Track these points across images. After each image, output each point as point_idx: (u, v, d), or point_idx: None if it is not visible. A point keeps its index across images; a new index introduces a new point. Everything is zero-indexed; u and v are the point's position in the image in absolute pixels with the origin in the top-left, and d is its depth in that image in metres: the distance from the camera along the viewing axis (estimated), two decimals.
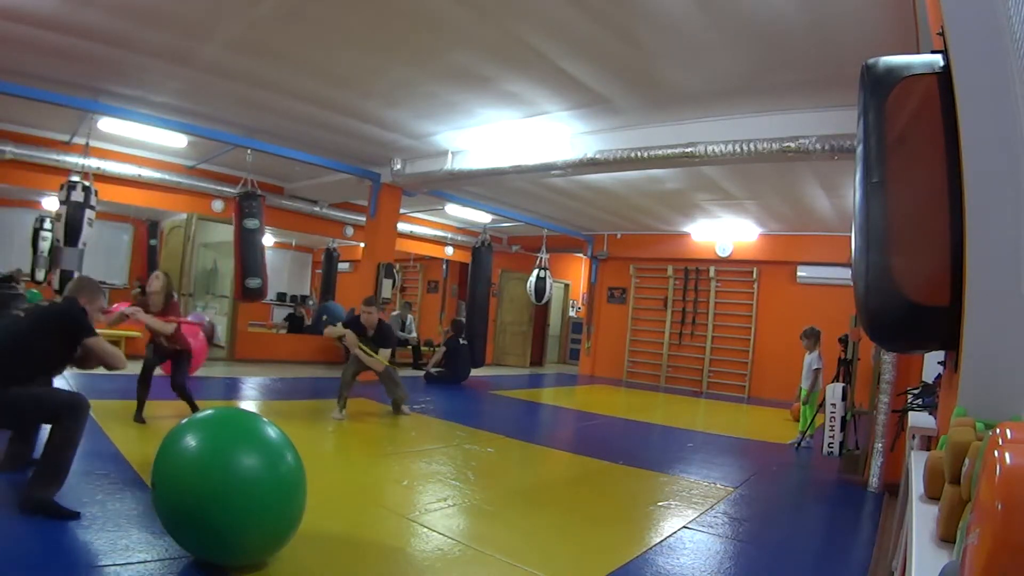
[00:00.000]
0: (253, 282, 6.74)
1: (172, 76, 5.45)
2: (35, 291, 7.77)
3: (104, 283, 10.99)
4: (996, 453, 0.68)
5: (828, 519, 3.97)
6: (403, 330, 10.27)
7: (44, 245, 8.85)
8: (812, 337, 6.06)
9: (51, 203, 8.16)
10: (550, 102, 5.44)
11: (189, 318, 5.68)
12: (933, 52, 1.74)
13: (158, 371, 4.48)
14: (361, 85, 5.43)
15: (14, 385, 2.50)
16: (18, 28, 4.53)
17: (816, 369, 5.95)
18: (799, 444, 5.90)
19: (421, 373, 9.30)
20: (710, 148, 5.32)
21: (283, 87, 5.56)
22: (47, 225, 8.73)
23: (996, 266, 1.46)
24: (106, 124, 6.46)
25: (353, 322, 5.52)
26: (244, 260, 6.83)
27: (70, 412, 2.55)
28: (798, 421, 6.25)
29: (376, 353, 5.36)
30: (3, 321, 2.82)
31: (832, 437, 4.79)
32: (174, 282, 4.98)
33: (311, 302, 13.12)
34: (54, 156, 7.11)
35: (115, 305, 4.35)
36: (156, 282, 4.39)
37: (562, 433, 6.47)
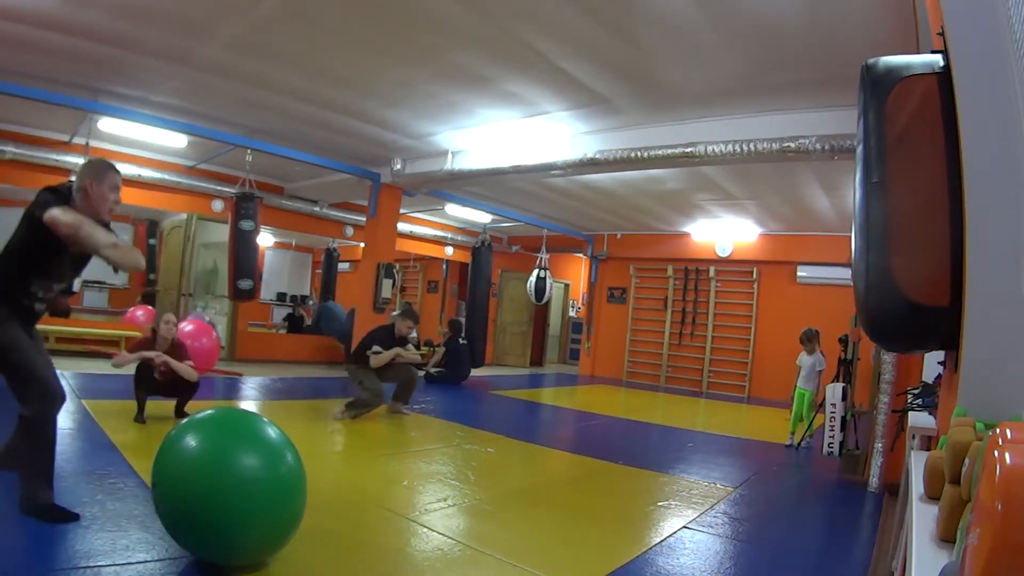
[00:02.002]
0: (245, 283, 6.79)
1: (172, 76, 5.45)
2: None
3: (104, 283, 11.01)
4: (996, 453, 0.68)
5: (828, 519, 3.97)
6: None
7: None
8: (815, 339, 6.06)
9: None
10: (550, 102, 5.44)
11: (187, 327, 5.79)
12: (933, 52, 1.74)
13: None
14: (361, 85, 5.42)
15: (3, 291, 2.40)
16: (18, 28, 4.53)
17: (820, 371, 5.95)
18: (799, 444, 5.90)
19: (421, 373, 9.29)
20: (710, 148, 5.32)
21: (283, 87, 5.55)
22: None
23: (996, 266, 1.46)
24: (106, 124, 6.45)
25: (387, 333, 5.65)
26: (238, 261, 6.88)
27: (42, 392, 2.41)
28: (799, 421, 6.21)
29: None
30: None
31: (832, 437, 4.79)
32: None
33: (311, 302, 13.12)
34: (54, 156, 7.11)
35: (147, 352, 4.35)
36: (169, 330, 4.46)
37: (562, 433, 6.47)
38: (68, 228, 2.31)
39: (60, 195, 2.44)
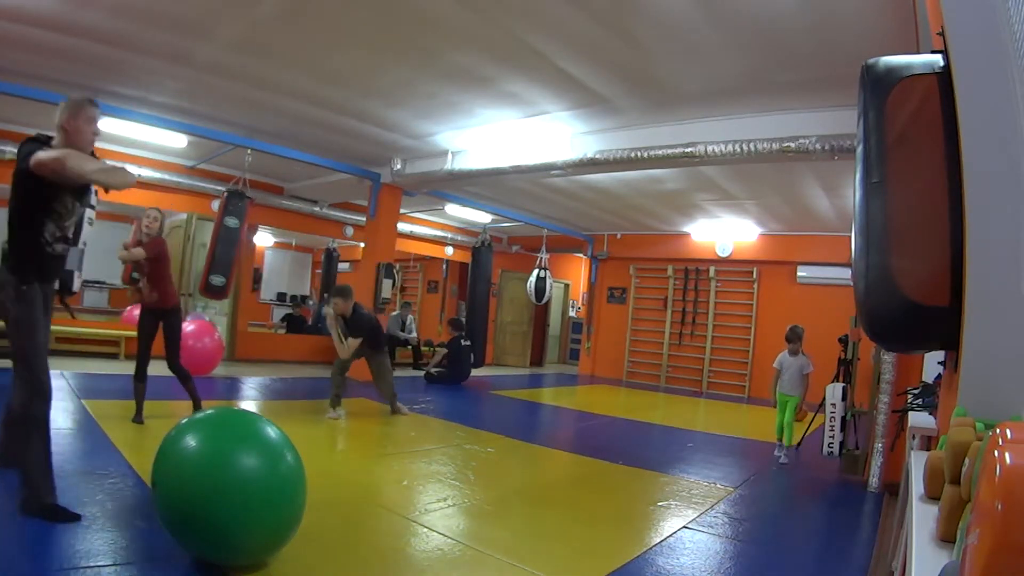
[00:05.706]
0: (217, 279, 6.72)
1: (172, 76, 5.45)
2: None
3: (104, 283, 11.01)
4: (996, 453, 0.68)
5: (828, 519, 3.97)
6: (403, 330, 10.26)
7: None
8: (801, 338, 5.44)
9: None
10: (550, 102, 5.44)
11: (189, 326, 5.70)
12: (933, 52, 1.74)
13: (163, 372, 4.47)
14: (361, 85, 5.43)
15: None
16: (18, 28, 4.53)
17: (807, 374, 5.37)
18: (799, 444, 5.85)
19: (421, 373, 9.29)
20: (710, 148, 5.32)
21: (283, 87, 5.55)
22: None
23: (996, 266, 1.46)
24: (106, 124, 6.43)
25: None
26: (215, 256, 6.78)
27: (39, 384, 2.44)
28: (801, 422, 6.07)
29: (345, 340, 5.49)
30: None
31: (832, 437, 4.79)
32: (173, 275, 4.88)
33: (310, 302, 13.11)
34: None
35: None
36: (152, 224, 4.31)
37: (562, 433, 6.47)
38: (53, 163, 2.34)
39: (40, 141, 2.49)
